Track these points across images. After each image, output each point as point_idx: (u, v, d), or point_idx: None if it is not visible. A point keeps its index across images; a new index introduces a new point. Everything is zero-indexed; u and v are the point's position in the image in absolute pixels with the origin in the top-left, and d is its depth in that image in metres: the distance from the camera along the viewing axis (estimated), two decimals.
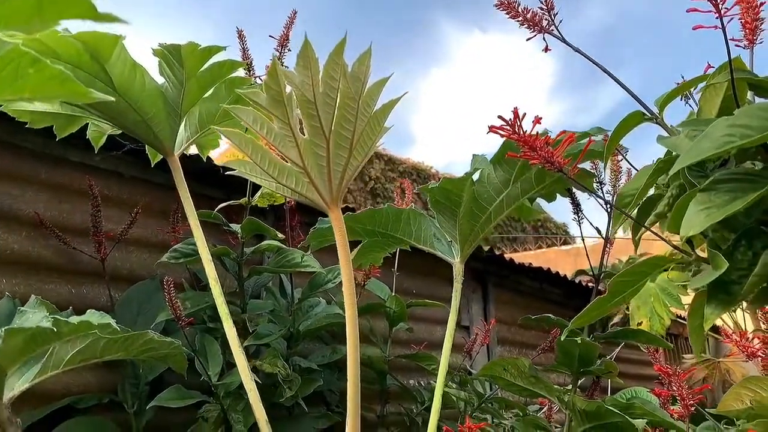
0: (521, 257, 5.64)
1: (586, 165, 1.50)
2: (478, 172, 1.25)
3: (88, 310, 0.93)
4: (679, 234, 0.62)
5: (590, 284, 3.38)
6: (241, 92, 0.68)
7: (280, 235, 1.54)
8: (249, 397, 0.94)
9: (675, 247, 0.70)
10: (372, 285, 2.03)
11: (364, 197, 10.14)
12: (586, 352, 1.31)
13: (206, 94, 1.08)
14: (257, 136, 0.72)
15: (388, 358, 1.94)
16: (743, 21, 0.78)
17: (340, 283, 1.68)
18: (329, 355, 1.72)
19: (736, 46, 0.84)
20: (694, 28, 0.66)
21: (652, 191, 0.79)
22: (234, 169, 0.76)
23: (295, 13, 1.51)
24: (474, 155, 1.20)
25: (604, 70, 0.76)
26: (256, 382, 1.54)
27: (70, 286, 1.57)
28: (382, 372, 1.89)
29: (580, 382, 1.47)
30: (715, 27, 0.63)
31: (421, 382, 2.28)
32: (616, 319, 3.22)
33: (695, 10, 0.64)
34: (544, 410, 1.87)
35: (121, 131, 1.22)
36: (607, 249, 1.54)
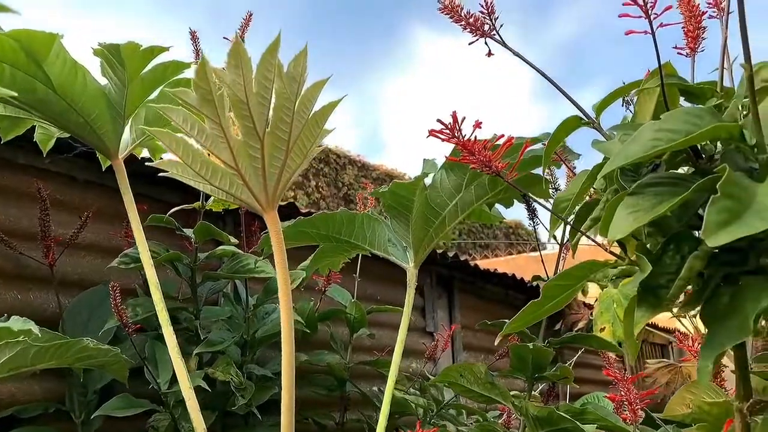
0: (491, 263, 5.67)
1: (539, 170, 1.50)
2: (431, 176, 1.25)
3: (12, 317, 0.90)
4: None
5: None
6: (169, 91, 0.67)
7: (234, 240, 1.51)
8: (188, 405, 0.91)
9: (610, 251, 0.69)
10: (333, 291, 2.01)
11: (337, 203, 10.12)
12: (539, 358, 1.31)
13: (151, 96, 1.06)
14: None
15: (348, 365, 1.92)
16: (686, 30, 0.79)
17: (297, 288, 1.67)
18: None
19: (679, 54, 0.85)
20: (626, 33, 0.66)
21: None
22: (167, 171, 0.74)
23: (251, 15, 1.50)
24: (425, 160, 1.20)
25: (544, 76, 0.76)
26: (210, 389, 1.51)
27: (16, 292, 1.52)
28: (341, 379, 1.87)
29: (544, 387, 1.47)
30: (645, 32, 0.64)
31: (382, 389, 2.26)
32: (581, 324, 3.25)
33: (627, 15, 0.64)
34: (503, 416, 1.87)
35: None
36: (563, 255, 1.55)
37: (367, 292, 2.50)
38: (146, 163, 0.83)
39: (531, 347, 1.28)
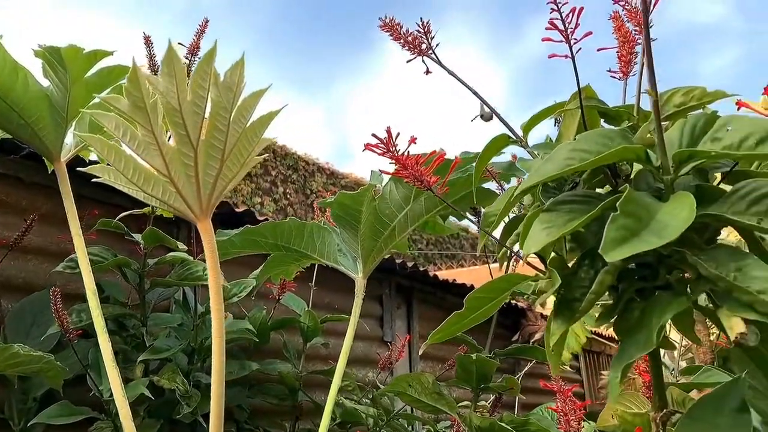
0: (455, 273, 5.71)
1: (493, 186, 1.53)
2: (382, 187, 1.26)
3: None
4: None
5: (513, 301, 3.46)
6: (100, 97, 0.67)
7: (182, 246, 1.50)
8: (120, 414, 0.90)
9: (530, 265, 0.72)
10: (288, 299, 2.01)
11: (305, 210, 10.09)
12: (483, 369, 1.33)
13: (96, 100, 1.05)
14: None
15: (301, 374, 1.91)
16: (619, 54, 0.83)
17: (247, 296, 1.66)
18: (237, 371, 1.68)
19: (612, 77, 0.89)
20: (549, 57, 0.69)
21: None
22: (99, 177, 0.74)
23: (207, 21, 1.50)
24: (372, 171, 1.21)
25: (471, 90, 0.78)
26: (155, 397, 1.49)
27: None
28: (293, 388, 1.86)
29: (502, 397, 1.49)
30: (565, 56, 0.66)
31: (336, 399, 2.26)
32: (537, 336, 3.30)
33: (549, 39, 0.67)
34: (454, 427, 1.89)
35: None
36: (512, 266, 1.57)
37: (325, 301, 2.50)
38: (77, 168, 0.83)
39: (475, 358, 1.30)
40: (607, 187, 0.71)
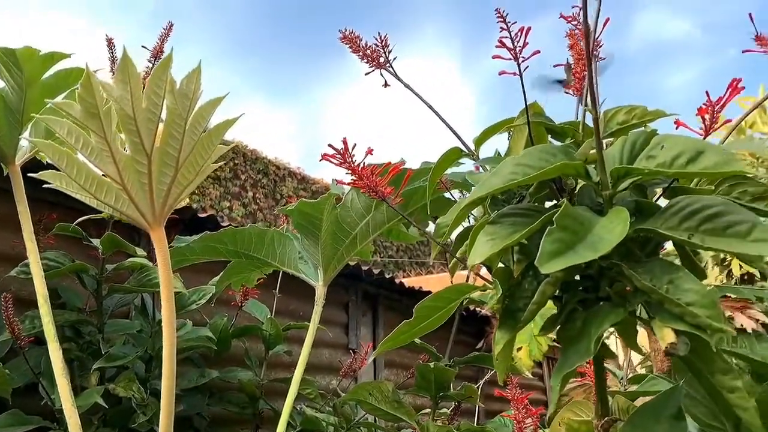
0: (423, 281, 5.74)
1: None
2: (344, 195, 1.27)
3: None
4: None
5: (477, 309, 3.50)
6: (52, 103, 0.66)
7: (141, 252, 1.49)
8: (69, 423, 0.89)
9: (478, 275, 0.74)
10: (251, 306, 2.00)
11: (275, 215, 10.01)
12: (442, 377, 1.35)
13: (48, 105, 1.04)
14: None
15: (262, 382, 1.90)
16: (573, 71, 0.85)
17: (207, 302, 1.65)
18: (196, 379, 1.67)
19: (566, 93, 0.92)
20: (500, 74, 0.71)
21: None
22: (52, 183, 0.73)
23: (171, 25, 1.49)
24: (332, 180, 1.22)
25: (428, 105, 0.80)
26: (112, 406, 1.47)
27: None
28: (254, 396, 1.85)
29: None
30: (514, 73, 0.69)
31: (297, 407, 2.26)
32: None
33: (498, 57, 0.69)
34: None
35: None
36: (471, 274, 1.60)
37: (290, 308, 2.49)
38: (29, 174, 0.82)
39: (433, 367, 1.31)
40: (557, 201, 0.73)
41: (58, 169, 0.73)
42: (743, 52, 0.87)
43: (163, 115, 0.74)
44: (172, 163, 0.73)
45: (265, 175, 10.25)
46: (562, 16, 0.80)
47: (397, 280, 3.38)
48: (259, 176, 10.07)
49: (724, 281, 3.87)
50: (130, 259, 1.51)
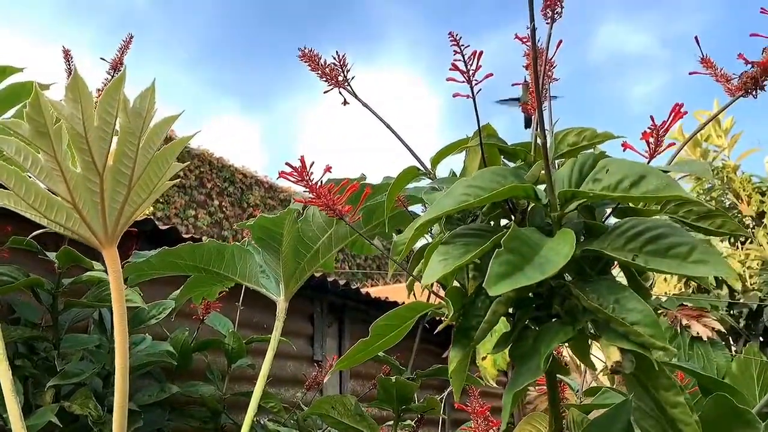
0: (391, 290, 5.73)
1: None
2: (305, 210, 1.27)
3: None
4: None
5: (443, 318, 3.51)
6: (0, 122, 0.65)
7: (98, 266, 1.46)
8: None
9: (435, 293, 0.75)
10: (213, 318, 1.98)
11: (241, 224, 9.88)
12: (403, 391, 1.35)
13: (6, 115, 1.01)
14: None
15: (224, 396, 1.88)
16: (530, 90, 0.87)
17: (168, 316, 1.62)
18: (156, 394, 1.64)
19: (522, 112, 0.93)
20: (453, 96, 0.73)
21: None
22: None
23: (131, 37, 1.47)
24: (300, 192, 1.22)
25: (386, 124, 0.81)
26: (69, 424, 1.43)
27: None
28: (216, 410, 1.83)
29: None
30: (467, 96, 0.70)
31: (261, 421, 2.23)
32: None
33: (452, 80, 0.70)
34: None
35: None
36: (435, 288, 1.61)
37: (254, 320, 2.46)
38: None
39: (394, 380, 1.32)
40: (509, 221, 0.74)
41: (6, 188, 0.71)
42: (690, 73, 0.90)
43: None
44: (125, 181, 0.72)
45: (232, 184, 10.14)
46: (517, 37, 0.82)
47: (363, 290, 3.38)
48: (226, 184, 9.96)
49: (683, 290, 3.97)
50: (88, 273, 1.48)
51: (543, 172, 0.66)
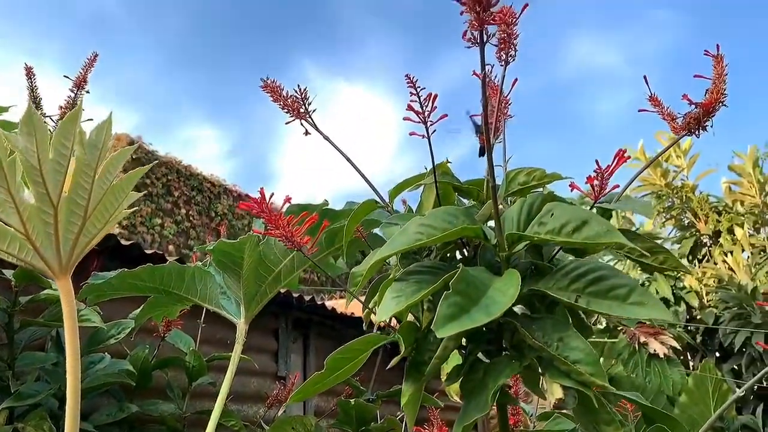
0: (358, 305, 5.73)
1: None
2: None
3: None
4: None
5: None
6: None
7: (56, 284, 1.43)
8: None
9: (389, 326, 0.76)
10: (175, 336, 1.95)
11: (206, 234, 9.76)
12: (362, 413, 1.36)
13: None
14: None
15: (184, 414, 1.85)
16: (479, 136, 0.90)
17: (126, 337, 1.60)
18: (115, 414, 1.61)
19: (478, 141, 0.96)
20: (410, 134, 0.74)
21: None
22: None
23: (96, 55, 1.46)
24: (255, 220, 1.22)
25: (346, 158, 0.83)
26: None
27: None
28: (175, 429, 1.80)
29: None
30: (423, 136, 0.72)
31: None
32: None
33: (409, 119, 0.72)
34: None
35: None
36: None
37: (217, 336, 2.44)
38: None
39: (353, 403, 1.33)
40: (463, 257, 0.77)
41: None
42: (639, 111, 0.94)
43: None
44: (80, 212, 0.72)
45: (200, 192, 10.01)
46: (474, 74, 0.85)
47: (330, 303, 3.37)
48: (193, 193, 9.83)
49: None
50: (45, 292, 1.46)
51: (490, 211, 0.68)
